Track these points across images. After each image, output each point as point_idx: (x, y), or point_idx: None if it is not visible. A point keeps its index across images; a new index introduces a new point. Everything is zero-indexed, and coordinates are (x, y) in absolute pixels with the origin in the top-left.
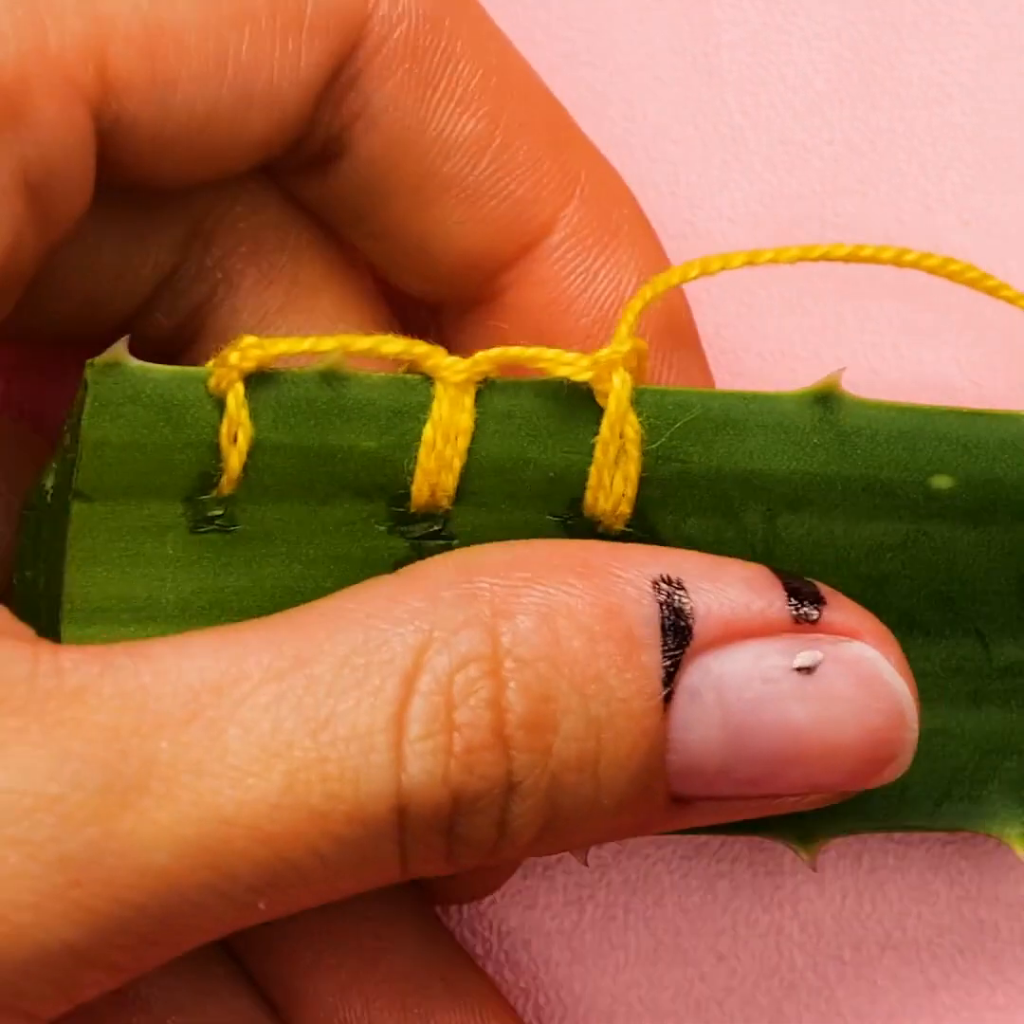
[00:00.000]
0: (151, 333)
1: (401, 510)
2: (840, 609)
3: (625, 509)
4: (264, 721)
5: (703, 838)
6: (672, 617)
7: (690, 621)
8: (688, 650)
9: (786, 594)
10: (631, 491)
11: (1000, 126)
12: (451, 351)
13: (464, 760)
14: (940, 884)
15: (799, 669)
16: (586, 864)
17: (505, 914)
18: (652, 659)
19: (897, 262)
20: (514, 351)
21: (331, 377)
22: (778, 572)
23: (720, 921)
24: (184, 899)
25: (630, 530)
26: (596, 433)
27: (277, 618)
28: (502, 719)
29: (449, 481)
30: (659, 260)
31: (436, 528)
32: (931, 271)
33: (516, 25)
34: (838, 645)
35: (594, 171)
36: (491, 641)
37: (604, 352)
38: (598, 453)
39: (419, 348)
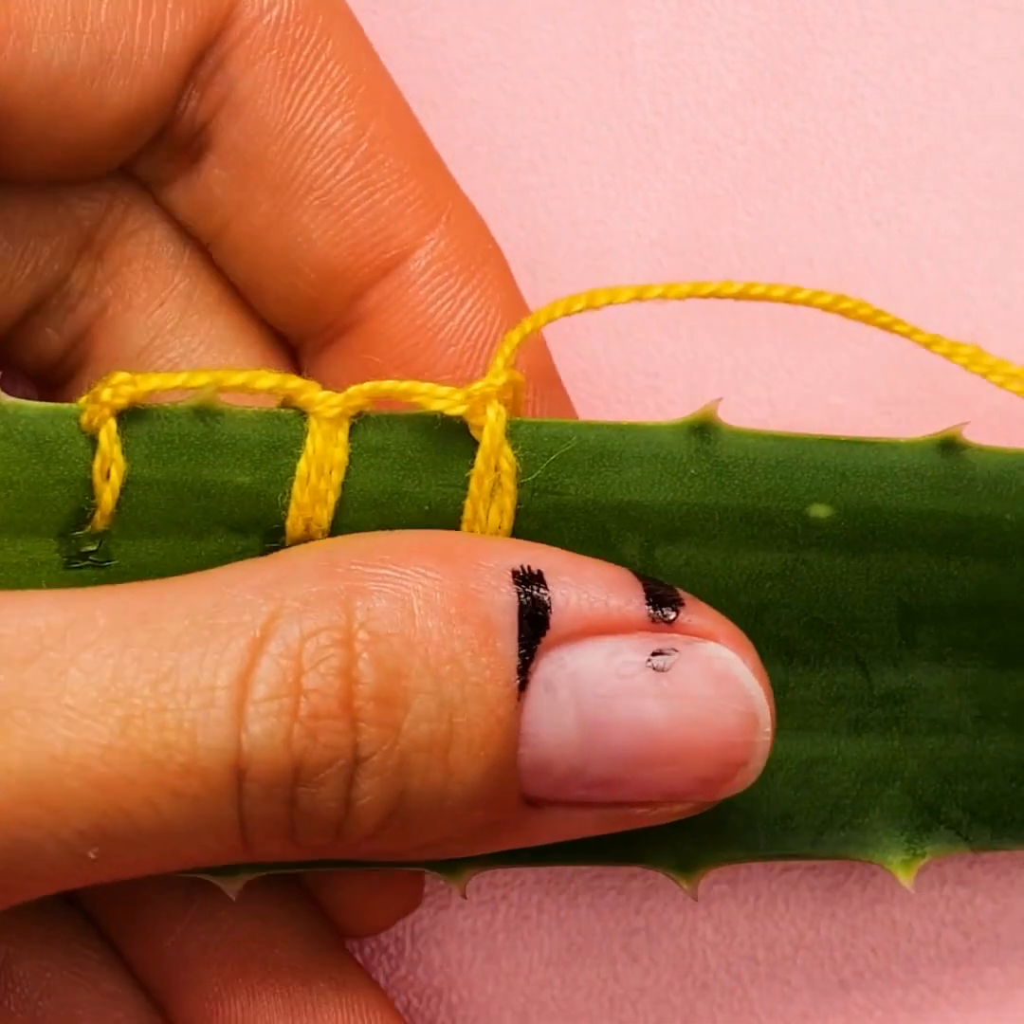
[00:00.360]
0: (43, 349)
1: (276, 544)
2: (697, 612)
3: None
4: (105, 667)
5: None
6: (530, 606)
7: (547, 612)
8: (544, 641)
9: (644, 593)
10: (507, 523)
11: (912, 126)
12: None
13: (309, 726)
14: (852, 884)
15: (654, 667)
16: (465, 896)
17: (419, 914)
18: (508, 646)
19: (788, 300)
20: (387, 385)
21: (204, 412)
22: (638, 574)
23: (633, 921)
24: (12, 836)
25: None
26: (471, 466)
27: (128, 584)
28: (351, 690)
29: (323, 515)
30: (519, 300)
31: None
32: (824, 309)
33: (427, 25)
34: (694, 645)
35: (459, 201)
36: (345, 613)
37: (478, 385)
38: (473, 486)
39: (292, 383)
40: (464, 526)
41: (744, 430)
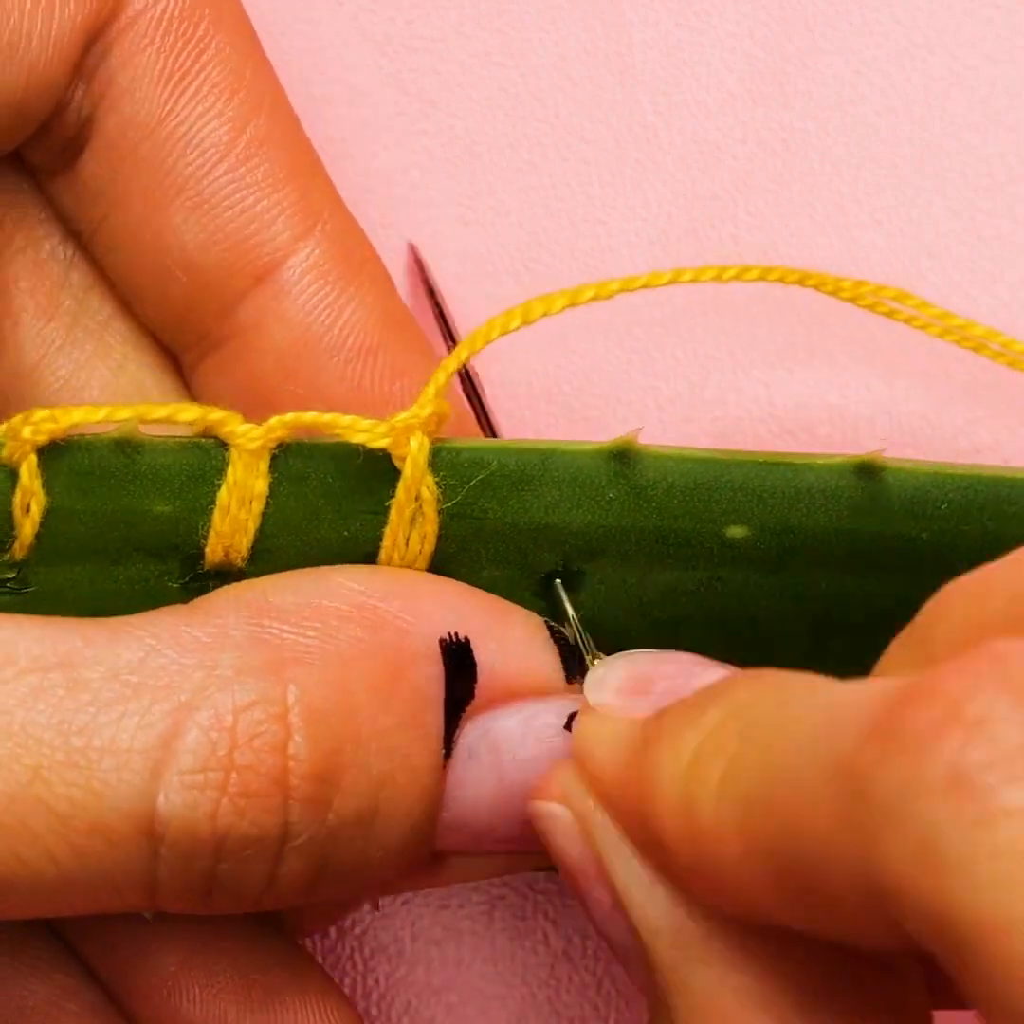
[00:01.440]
0: None
1: (194, 568)
2: None
3: (421, 566)
4: (18, 710)
5: None
6: (456, 675)
7: (473, 679)
8: (468, 709)
9: (559, 654)
10: (428, 548)
11: (912, 125)
12: (193, 396)
13: (238, 803)
14: None
15: (570, 728)
16: (378, 908)
17: (418, 914)
18: (434, 717)
19: (760, 277)
20: (309, 417)
21: (125, 445)
22: (552, 628)
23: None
24: None
25: None
26: (392, 494)
27: (64, 619)
28: (286, 767)
29: (243, 543)
30: (399, 307)
31: (230, 583)
32: (809, 285)
33: (427, 25)
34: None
35: (336, 210)
36: (280, 686)
37: (401, 417)
38: (393, 515)
39: (214, 415)
40: (383, 553)
41: (663, 453)
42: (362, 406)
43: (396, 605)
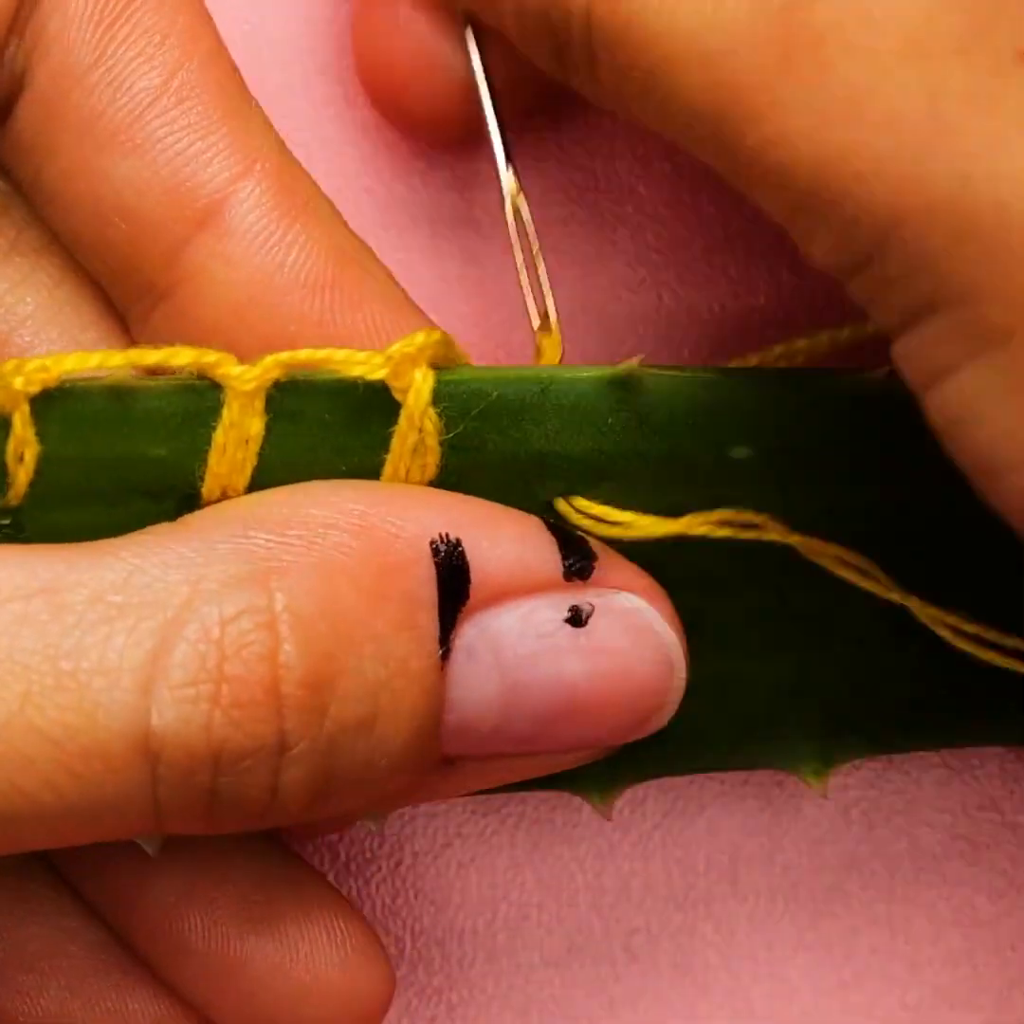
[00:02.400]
0: None
1: (192, 507)
2: (610, 564)
3: None
4: (3, 639)
5: (618, 836)
6: (448, 576)
7: (466, 580)
8: (464, 609)
9: (559, 549)
10: (428, 478)
11: None
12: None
13: (232, 714)
14: (853, 883)
15: (571, 623)
16: (381, 833)
17: (420, 914)
18: (429, 618)
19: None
20: (303, 355)
21: (118, 391)
22: (551, 526)
23: (633, 921)
24: None
25: None
26: (391, 426)
27: (43, 546)
28: (277, 675)
29: (240, 482)
30: (350, 239)
31: None
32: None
33: None
34: (608, 597)
35: (274, 149)
36: (266, 595)
37: (397, 347)
38: (395, 444)
39: (208, 357)
40: (384, 482)
41: (665, 375)
42: (325, 341)
43: (383, 511)
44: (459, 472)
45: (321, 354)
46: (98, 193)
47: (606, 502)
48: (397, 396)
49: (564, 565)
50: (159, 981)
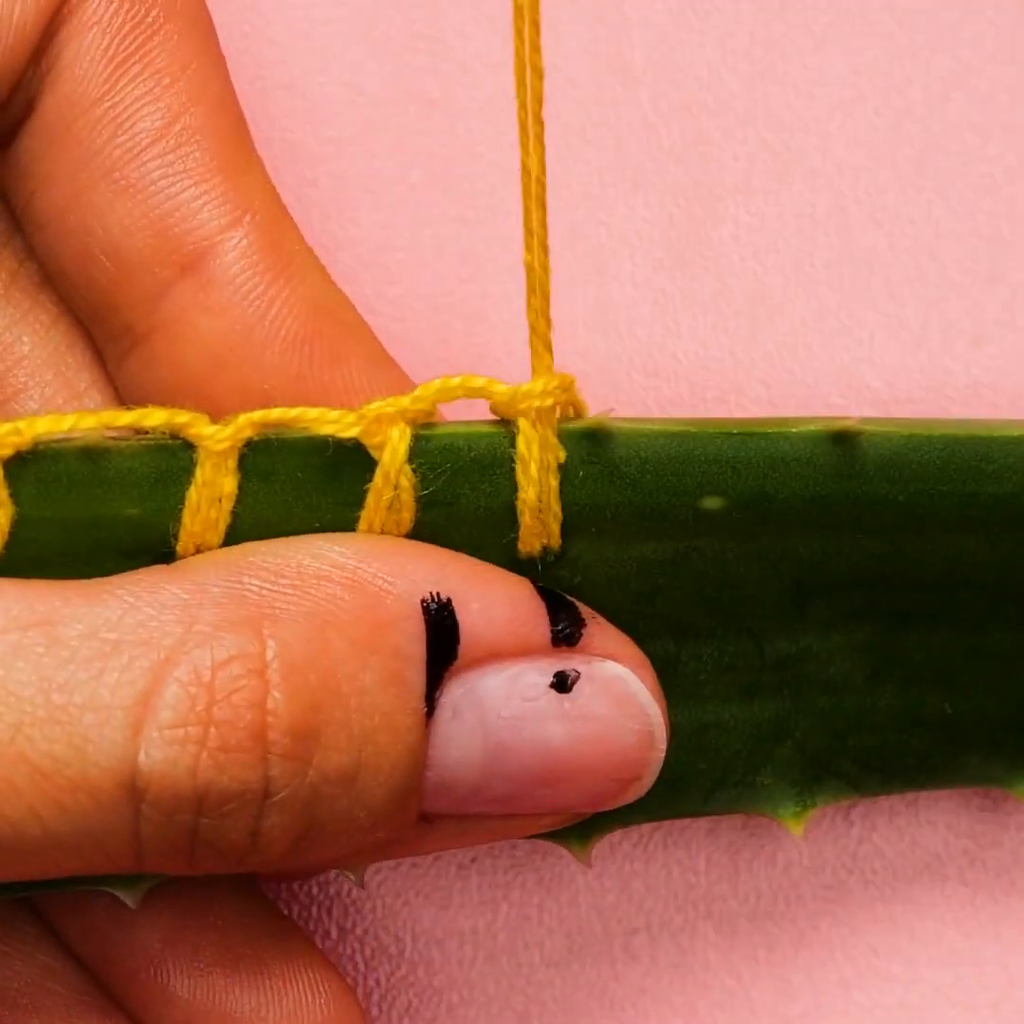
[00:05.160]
0: None
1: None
2: (599, 632)
3: None
4: None
5: (618, 836)
6: (437, 634)
7: (455, 639)
8: (451, 668)
9: (548, 614)
10: (403, 535)
11: (912, 126)
12: (121, 390)
13: (217, 758)
14: (854, 883)
15: (557, 687)
16: (361, 886)
17: (419, 913)
18: (416, 675)
19: None
20: (276, 413)
21: (91, 452)
22: (541, 590)
23: (634, 921)
24: None
25: None
26: (365, 483)
27: (41, 581)
28: (264, 722)
29: (214, 540)
30: (334, 294)
31: None
32: None
33: (427, 25)
34: (594, 665)
35: (267, 203)
36: (259, 642)
37: (374, 406)
38: (370, 501)
39: (181, 418)
40: None
41: (637, 428)
42: (302, 396)
43: (376, 566)
44: (433, 527)
45: (293, 413)
46: (87, 227)
47: (576, 554)
48: (373, 453)
49: (553, 630)
50: None
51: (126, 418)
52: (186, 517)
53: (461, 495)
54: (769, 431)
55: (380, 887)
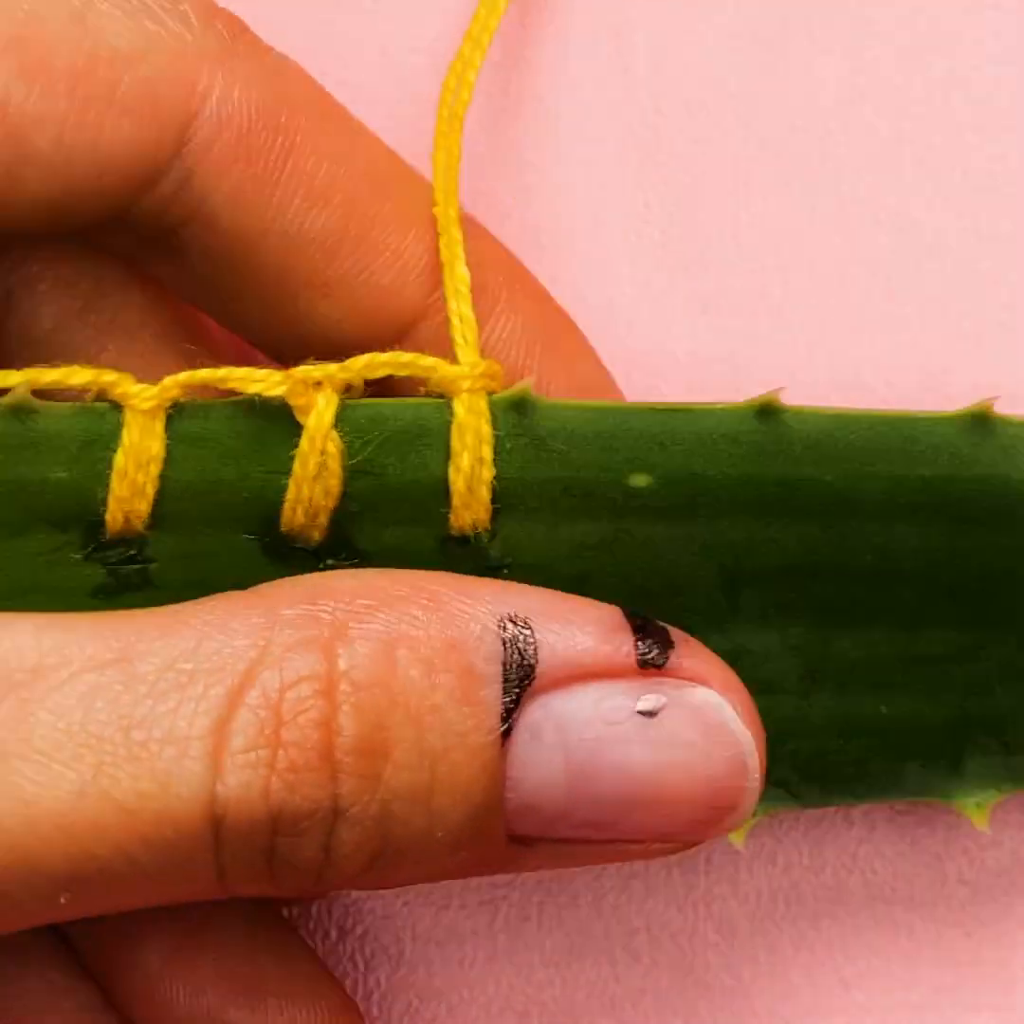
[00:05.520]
0: None
1: (96, 538)
2: (689, 654)
3: (323, 520)
4: (77, 709)
5: None
6: (516, 655)
7: (534, 660)
8: (530, 689)
9: (634, 637)
10: (332, 504)
11: (912, 126)
12: None
13: (287, 778)
14: (855, 884)
15: (642, 713)
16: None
17: (419, 914)
18: (492, 694)
19: None
20: (203, 373)
21: (19, 411)
22: (630, 614)
23: (634, 922)
24: None
25: (327, 543)
26: (292, 449)
27: (113, 613)
28: (331, 741)
29: (143, 507)
30: (552, 313)
31: (132, 553)
32: None
33: (427, 25)
34: (683, 690)
35: (435, 233)
36: (327, 662)
37: (300, 369)
38: (297, 468)
39: (107, 376)
40: (286, 507)
41: (561, 403)
42: None
43: (455, 588)
44: (361, 500)
45: (220, 372)
46: (297, 327)
47: (507, 535)
48: (299, 417)
49: (638, 652)
50: None
51: (50, 375)
52: (114, 481)
53: (389, 466)
54: (695, 407)
55: None
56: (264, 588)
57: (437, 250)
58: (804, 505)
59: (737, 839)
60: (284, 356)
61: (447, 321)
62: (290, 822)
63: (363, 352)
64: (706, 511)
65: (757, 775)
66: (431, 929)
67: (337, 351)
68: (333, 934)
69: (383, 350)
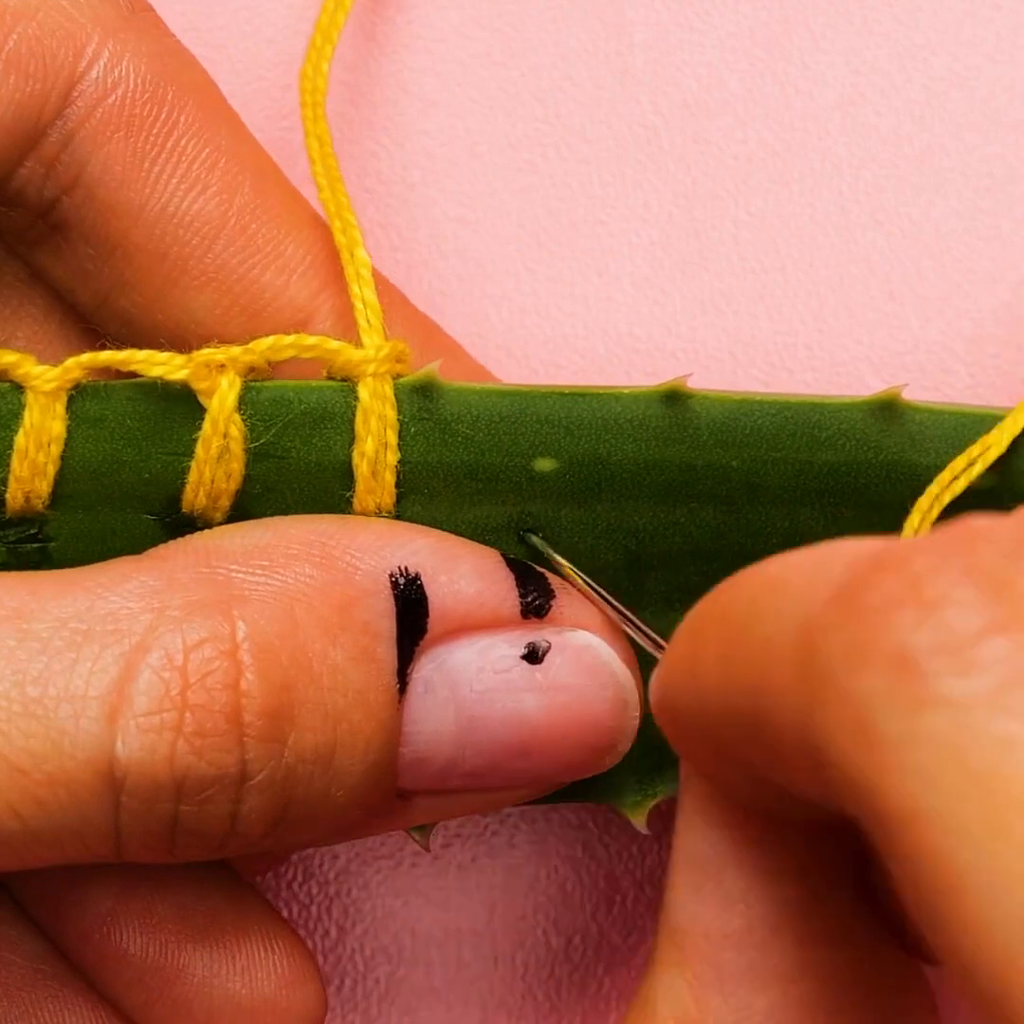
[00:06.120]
0: None
1: None
2: (569, 602)
3: (225, 503)
4: None
5: (618, 836)
6: (406, 609)
7: (424, 613)
8: (422, 643)
9: (517, 585)
10: (233, 487)
11: (912, 126)
12: None
13: (194, 743)
14: None
15: (528, 659)
16: (428, 850)
17: (419, 914)
18: (387, 651)
19: None
20: (105, 355)
21: None
22: (510, 561)
23: (634, 920)
24: None
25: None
26: (195, 432)
27: (8, 574)
28: (238, 704)
29: (43, 487)
30: (431, 326)
31: (32, 532)
32: None
33: (427, 25)
34: (565, 635)
35: (334, 251)
36: (228, 624)
37: (203, 352)
38: (199, 451)
39: (8, 357)
40: (188, 490)
41: (467, 387)
42: None
43: (345, 543)
44: (264, 481)
45: (122, 355)
46: (177, 321)
47: (411, 518)
48: (202, 400)
49: (522, 602)
50: (98, 993)
51: None
52: (14, 461)
53: (292, 449)
54: (601, 392)
55: (380, 887)
56: (156, 551)
57: (320, 251)
58: (709, 490)
59: (638, 821)
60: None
61: (337, 322)
62: (195, 788)
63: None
64: (611, 495)
65: (635, 713)
66: (430, 929)
67: None
68: (333, 934)
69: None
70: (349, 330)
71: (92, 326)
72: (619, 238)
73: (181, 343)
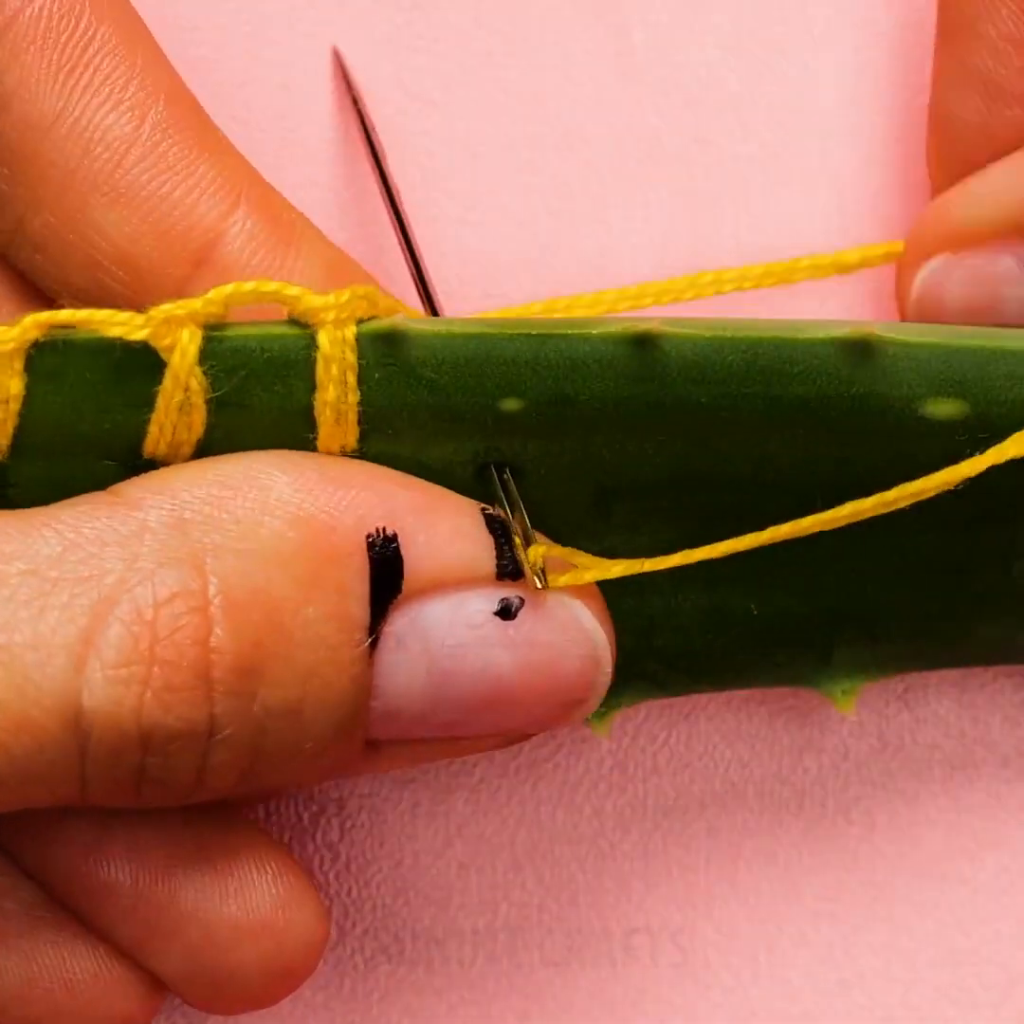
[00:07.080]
0: None
1: None
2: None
3: (187, 451)
4: None
5: (618, 836)
6: (382, 569)
7: (399, 573)
8: (396, 600)
9: (493, 544)
10: (195, 437)
11: (915, 127)
12: None
13: (162, 697)
14: (856, 883)
15: (501, 614)
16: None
17: (419, 914)
18: (360, 608)
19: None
20: (64, 314)
21: None
22: (489, 518)
23: (634, 920)
24: None
25: None
26: (155, 384)
27: None
28: (208, 660)
29: (2, 441)
30: (342, 258)
31: None
32: None
33: (426, 25)
34: (539, 593)
35: (254, 180)
36: (200, 579)
37: (162, 308)
38: (160, 403)
39: None
40: (149, 442)
41: (433, 331)
42: None
43: (323, 500)
44: (227, 429)
45: (82, 314)
46: (89, 241)
47: (375, 456)
48: (163, 355)
49: (498, 564)
50: (96, 935)
51: None
52: None
53: (255, 397)
54: (569, 333)
55: (380, 887)
56: (122, 489)
57: (232, 173)
58: (678, 425)
59: (601, 730)
60: (90, 294)
61: (247, 242)
62: (162, 742)
63: (159, 276)
64: (578, 431)
65: (607, 669)
66: (430, 927)
67: (133, 275)
68: (333, 934)
69: (182, 274)
70: (260, 251)
71: (5, 255)
72: (619, 238)
73: (93, 267)
